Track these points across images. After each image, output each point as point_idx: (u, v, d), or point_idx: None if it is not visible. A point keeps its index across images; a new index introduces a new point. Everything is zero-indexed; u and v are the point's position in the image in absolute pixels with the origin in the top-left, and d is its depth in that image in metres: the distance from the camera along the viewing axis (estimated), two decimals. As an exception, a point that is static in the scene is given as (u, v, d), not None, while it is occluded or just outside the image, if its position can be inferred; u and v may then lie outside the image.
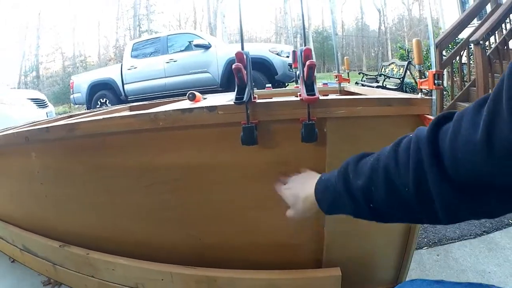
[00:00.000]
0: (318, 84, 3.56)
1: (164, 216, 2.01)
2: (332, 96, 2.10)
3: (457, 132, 0.72)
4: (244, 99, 1.48)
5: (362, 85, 10.81)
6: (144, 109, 2.03)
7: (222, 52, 10.51)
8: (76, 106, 16.58)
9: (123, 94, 11.56)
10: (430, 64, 1.89)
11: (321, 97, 1.56)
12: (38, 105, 8.88)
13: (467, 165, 0.70)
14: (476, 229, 2.89)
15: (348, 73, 3.27)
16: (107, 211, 2.17)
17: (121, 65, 11.83)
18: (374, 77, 12.08)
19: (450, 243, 2.75)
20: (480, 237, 2.79)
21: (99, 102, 11.86)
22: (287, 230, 1.84)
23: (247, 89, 1.51)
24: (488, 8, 7.46)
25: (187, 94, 2.36)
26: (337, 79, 3.21)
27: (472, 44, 5.53)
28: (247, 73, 1.55)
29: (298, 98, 1.60)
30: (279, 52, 10.22)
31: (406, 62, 9.98)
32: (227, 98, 1.91)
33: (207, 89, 10.19)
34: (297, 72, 2.29)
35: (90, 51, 34.55)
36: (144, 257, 2.08)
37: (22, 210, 2.70)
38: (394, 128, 1.66)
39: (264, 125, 1.63)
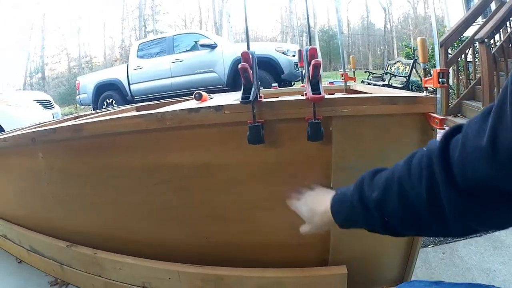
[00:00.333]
0: (324, 83, 3.56)
1: (171, 215, 2.02)
2: (338, 95, 2.11)
3: (466, 140, 0.74)
4: (250, 99, 1.49)
5: (368, 83, 10.79)
6: (151, 109, 2.04)
7: (228, 51, 10.52)
8: (82, 107, 16.62)
9: (129, 94, 11.58)
10: (435, 63, 1.89)
11: (327, 96, 1.57)
12: (44, 107, 8.92)
13: (474, 172, 0.71)
14: (482, 228, 2.88)
15: (354, 71, 3.27)
16: (114, 210, 2.18)
17: (127, 65, 11.85)
18: (380, 75, 12.08)
19: (456, 241, 2.74)
20: (485, 235, 2.78)
21: (105, 103, 11.88)
22: (294, 229, 1.85)
23: (253, 89, 1.52)
24: (493, 6, 7.44)
25: (194, 94, 2.37)
26: (343, 77, 3.22)
27: (477, 42, 5.52)
28: (253, 73, 1.56)
29: (304, 97, 1.61)
30: (285, 51, 10.21)
31: (412, 61, 9.97)
32: (234, 98, 1.92)
33: (214, 88, 10.20)
34: (303, 71, 2.30)
35: (96, 51, 34.59)
36: (151, 256, 2.09)
37: (29, 210, 2.71)
38: (399, 126, 1.67)
39: (270, 124, 1.64)
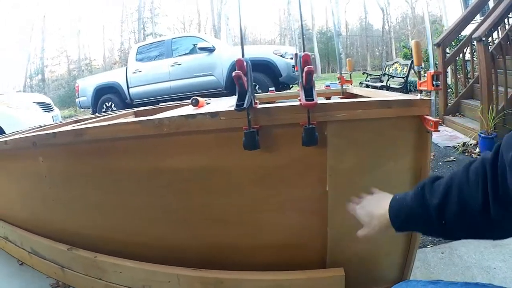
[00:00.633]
0: (321, 86, 3.57)
1: (170, 218, 2.04)
2: (333, 100, 2.12)
3: (502, 152, 0.82)
4: (245, 106, 1.51)
5: (366, 85, 10.79)
6: (149, 114, 2.07)
7: (227, 54, 10.47)
8: (82, 109, 16.58)
9: (128, 97, 11.54)
10: (427, 65, 1.91)
11: (321, 101, 1.59)
12: (44, 109, 8.90)
13: (509, 182, 0.78)
14: (481, 226, 2.88)
15: (350, 74, 3.28)
16: (114, 214, 2.21)
17: (126, 68, 11.81)
18: (378, 76, 12.05)
19: (455, 240, 2.75)
20: (485, 233, 2.78)
21: (104, 106, 11.84)
22: (291, 231, 1.87)
23: (247, 96, 1.54)
24: (491, 3, 7.44)
25: (191, 100, 2.39)
26: (339, 81, 3.23)
27: (475, 41, 5.52)
28: (248, 80, 1.58)
29: (299, 103, 1.62)
30: (283, 54, 10.18)
31: (410, 61, 9.93)
32: (231, 103, 1.94)
33: (212, 92, 10.17)
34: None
35: (95, 54, 34.62)
36: (151, 259, 2.11)
37: (30, 213, 2.74)
38: (394, 129, 1.69)
39: (266, 130, 1.66)
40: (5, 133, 5.88)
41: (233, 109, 1.54)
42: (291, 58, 9.68)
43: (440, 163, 4.64)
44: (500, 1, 6.15)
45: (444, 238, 1.03)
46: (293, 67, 8.91)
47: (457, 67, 7.15)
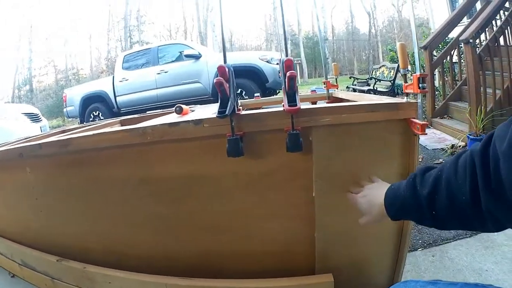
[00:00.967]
0: (307, 91, 3.57)
1: (157, 227, 2.03)
2: (318, 104, 2.11)
3: (495, 142, 0.83)
4: (227, 113, 1.49)
5: (354, 89, 10.86)
6: (135, 123, 2.06)
7: (213, 61, 10.45)
8: (70, 119, 16.58)
9: (115, 106, 11.52)
10: (414, 68, 1.90)
11: (305, 106, 1.58)
12: (32, 120, 8.89)
13: (502, 172, 0.79)
14: (472, 228, 2.88)
15: (336, 79, 3.28)
16: (101, 224, 2.19)
17: (113, 77, 11.81)
18: (365, 80, 12.13)
19: (446, 243, 2.75)
20: (475, 235, 2.78)
21: (92, 115, 11.82)
22: (279, 238, 1.85)
23: (229, 102, 1.52)
24: (478, 5, 7.48)
25: (174, 108, 2.37)
26: (325, 85, 3.23)
27: (462, 43, 5.55)
28: (230, 86, 1.57)
29: (282, 108, 1.61)
30: (269, 60, 10.21)
31: (397, 64, 9.98)
32: (215, 110, 1.93)
33: (199, 99, 10.19)
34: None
35: (82, 63, 34.69)
36: (140, 268, 2.09)
37: (20, 224, 2.71)
38: (381, 133, 1.68)
39: (250, 136, 1.64)
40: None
41: (215, 116, 1.52)
42: (277, 64, 9.72)
43: (429, 166, 4.65)
44: (488, 3, 6.20)
45: (437, 228, 1.05)
46: (279, 72, 8.93)
47: (445, 69, 7.19)
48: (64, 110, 12.75)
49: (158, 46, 11.90)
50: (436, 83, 8.14)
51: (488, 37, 5.90)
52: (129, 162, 1.92)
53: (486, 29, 5.96)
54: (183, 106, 2.30)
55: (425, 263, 2.52)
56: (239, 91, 9.40)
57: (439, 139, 5.84)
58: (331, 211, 1.70)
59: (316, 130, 1.60)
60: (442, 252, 2.63)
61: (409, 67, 1.83)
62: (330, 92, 3.29)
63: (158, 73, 10.94)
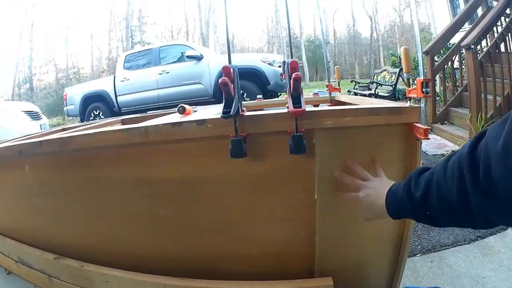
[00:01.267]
0: (309, 94, 3.56)
1: (157, 227, 2.01)
2: (321, 107, 2.11)
3: (487, 144, 0.86)
4: (231, 113, 1.49)
5: (355, 93, 10.83)
6: (136, 122, 2.05)
7: (215, 63, 10.45)
8: (70, 118, 16.56)
9: (116, 106, 11.51)
10: (415, 73, 1.90)
11: (309, 109, 1.57)
12: (32, 118, 8.87)
13: (494, 172, 0.81)
14: (470, 235, 2.89)
15: (338, 82, 3.28)
16: (100, 223, 2.18)
17: (114, 77, 11.78)
18: (367, 84, 12.11)
19: (444, 249, 2.75)
20: (474, 242, 2.79)
21: (92, 114, 11.80)
22: (279, 240, 1.85)
23: (234, 103, 1.51)
24: (479, 11, 7.48)
25: (177, 108, 2.36)
26: (327, 88, 3.22)
27: (463, 49, 5.55)
28: (235, 87, 1.56)
29: (286, 110, 1.60)
30: (271, 62, 10.20)
31: (398, 69, 9.97)
32: (218, 111, 1.92)
33: (200, 100, 10.17)
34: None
35: (83, 62, 34.62)
36: (139, 268, 2.08)
37: (18, 222, 2.71)
38: (383, 137, 1.67)
39: (253, 138, 1.63)
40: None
41: (220, 116, 1.52)
42: (279, 66, 9.70)
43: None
44: (489, 9, 6.21)
45: (433, 226, 1.11)
46: (281, 75, 8.93)
47: (446, 75, 7.20)
48: (65, 108, 12.73)
49: (160, 47, 11.89)
50: (437, 88, 8.14)
51: (489, 43, 5.90)
52: (130, 162, 1.91)
53: (487, 35, 5.96)
54: (186, 106, 2.29)
55: (423, 269, 2.53)
56: (241, 93, 9.29)
57: (439, 145, 5.84)
58: (332, 214, 1.70)
59: (319, 132, 1.59)
60: (441, 258, 2.63)
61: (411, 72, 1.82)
62: (332, 95, 3.29)
63: (160, 74, 10.93)
